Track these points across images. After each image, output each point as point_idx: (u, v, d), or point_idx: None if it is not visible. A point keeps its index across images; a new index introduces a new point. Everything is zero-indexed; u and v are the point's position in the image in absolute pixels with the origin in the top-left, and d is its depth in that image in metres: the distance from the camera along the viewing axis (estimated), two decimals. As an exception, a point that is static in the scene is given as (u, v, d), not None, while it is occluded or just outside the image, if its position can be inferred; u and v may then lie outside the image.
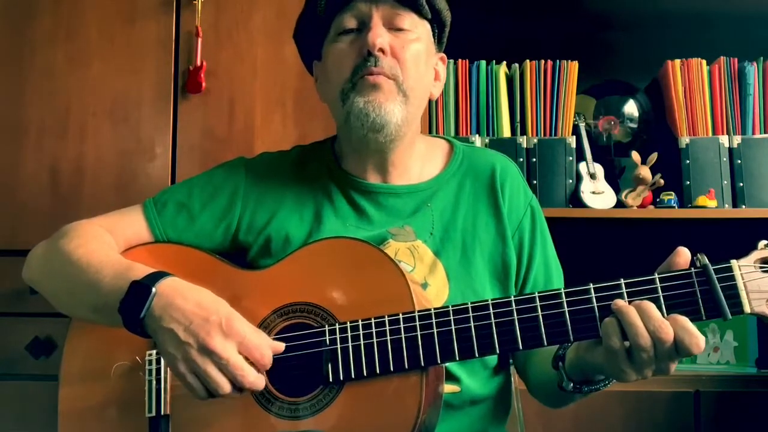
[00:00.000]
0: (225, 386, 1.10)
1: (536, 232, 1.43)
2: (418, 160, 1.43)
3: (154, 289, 1.14)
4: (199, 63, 2.09)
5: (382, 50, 1.30)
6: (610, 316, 1.05)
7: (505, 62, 2.40)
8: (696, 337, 1.01)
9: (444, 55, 1.48)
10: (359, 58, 1.31)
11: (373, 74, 1.29)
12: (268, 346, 1.14)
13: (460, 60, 2.37)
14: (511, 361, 1.44)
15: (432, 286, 1.31)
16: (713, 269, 1.04)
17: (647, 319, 1.02)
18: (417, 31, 1.36)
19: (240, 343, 1.11)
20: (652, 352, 1.02)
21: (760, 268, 1.04)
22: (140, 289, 1.15)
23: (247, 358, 1.12)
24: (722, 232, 2.08)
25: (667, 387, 2.08)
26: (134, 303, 1.14)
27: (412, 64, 1.33)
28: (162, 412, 1.21)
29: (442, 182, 1.42)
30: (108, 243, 1.32)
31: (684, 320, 1.02)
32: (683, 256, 1.08)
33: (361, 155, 1.40)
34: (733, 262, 1.04)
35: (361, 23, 1.33)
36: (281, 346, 1.17)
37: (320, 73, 1.43)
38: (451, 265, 1.34)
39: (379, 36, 1.30)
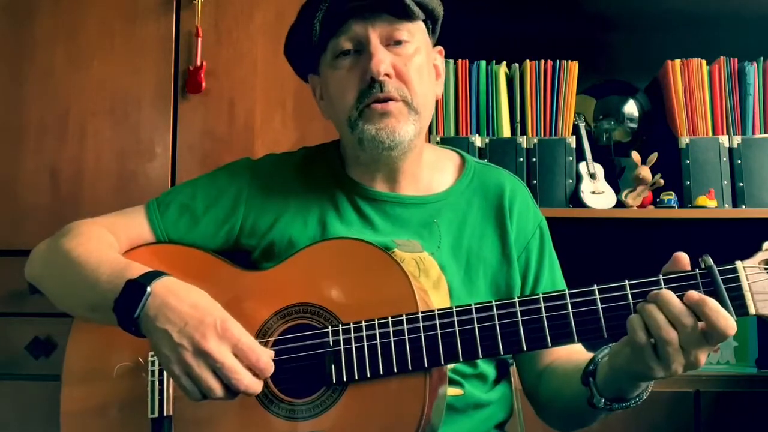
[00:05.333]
0: (218, 390, 1.10)
1: (544, 254, 1.42)
2: (427, 170, 1.42)
3: (148, 289, 1.13)
4: (199, 63, 2.09)
5: (387, 74, 1.28)
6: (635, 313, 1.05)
7: (505, 62, 2.40)
8: (729, 319, 1.00)
9: (441, 47, 1.45)
10: (363, 84, 1.29)
11: (381, 101, 1.28)
12: (263, 349, 1.13)
13: (460, 60, 2.36)
14: (511, 362, 1.44)
15: (434, 302, 1.30)
16: (718, 270, 1.04)
17: (666, 308, 1.02)
18: (415, 39, 1.34)
19: (234, 346, 1.10)
20: (677, 344, 1.01)
21: (765, 269, 1.04)
22: (135, 288, 1.14)
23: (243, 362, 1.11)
24: (722, 232, 2.08)
25: (667, 387, 2.08)
26: (129, 302, 1.13)
27: (417, 79, 1.31)
28: (164, 413, 1.20)
29: (451, 198, 1.41)
30: (108, 242, 1.32)
31: (714, 302, 1.01)
32: (682, 260, 1.07)
33: (369, 168, 1.39)
34: (738, 264, 1.04)
35: (358, 44, 1.31)
36: (270, 354, 1.15)
37: (321, 90, 1.41)
38: (454, 283, 1.34)
39: (382, 62, 1.28)
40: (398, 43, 1.31)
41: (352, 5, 1.29)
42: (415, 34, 1.34)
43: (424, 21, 1.38)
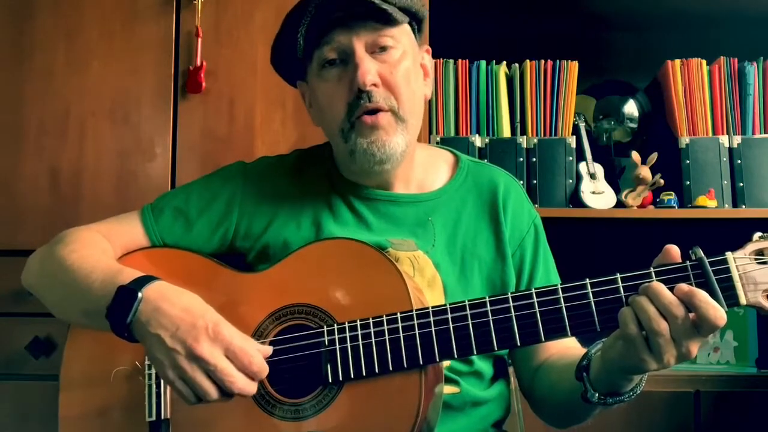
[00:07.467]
0: (212, 392, 1.10)
1: (539, 251, 1.42)
2: (421, 169, 1.42)
3: (140, 294, 1.13)
4: (199, 63, 2.09)
5: (374, 84, 1.27)
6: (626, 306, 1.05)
7: (505, 62, 2.40)
8: (718, 310, 1.00)
9: (428, 47, 1.44)
10: (351, 95, 1.28)
11: (370, 112, 1.27)
12: (256, 351, 1.12)
13: (460, 60, 2.36)
14: (509, 361, 1.44)
15: (428, 300, 1.30)
16: (708, 262, 1.04)
17: (657, 299, 1.02)
18: (400, 43, 1.32)
19: (227, 349, 1.10)
20: (668, 335, 1.01)
21: (755, 259, 1.04)
22: (127, 294, 1.14)
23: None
24: (722, 232, 2.07)
25: (667, 387, 2.08)
26: (121, 308, 1.13)
27: (405, 86, 1.30)
28: (162, 417, 1.20)
29: (445, 196, 1.41)
30: (103, 248, 1.31)
31: (704, 294, 1.01)
32: (673, 252, 1.08)
33: (362, 176, 1.38)
34: (728, 255, 1.05)
35: (343, 53, 1.30)
36: (268, 350, 1.16)
37: (309, 98, 1.41)
38: (449, 282, 1.34)
39: (368, 72, 1.26)
40: (383, 49, 1.30)
41: (334, 16, 1.28)
42: (400, 38, 1.33)
43: (409, 23, 1.36)
